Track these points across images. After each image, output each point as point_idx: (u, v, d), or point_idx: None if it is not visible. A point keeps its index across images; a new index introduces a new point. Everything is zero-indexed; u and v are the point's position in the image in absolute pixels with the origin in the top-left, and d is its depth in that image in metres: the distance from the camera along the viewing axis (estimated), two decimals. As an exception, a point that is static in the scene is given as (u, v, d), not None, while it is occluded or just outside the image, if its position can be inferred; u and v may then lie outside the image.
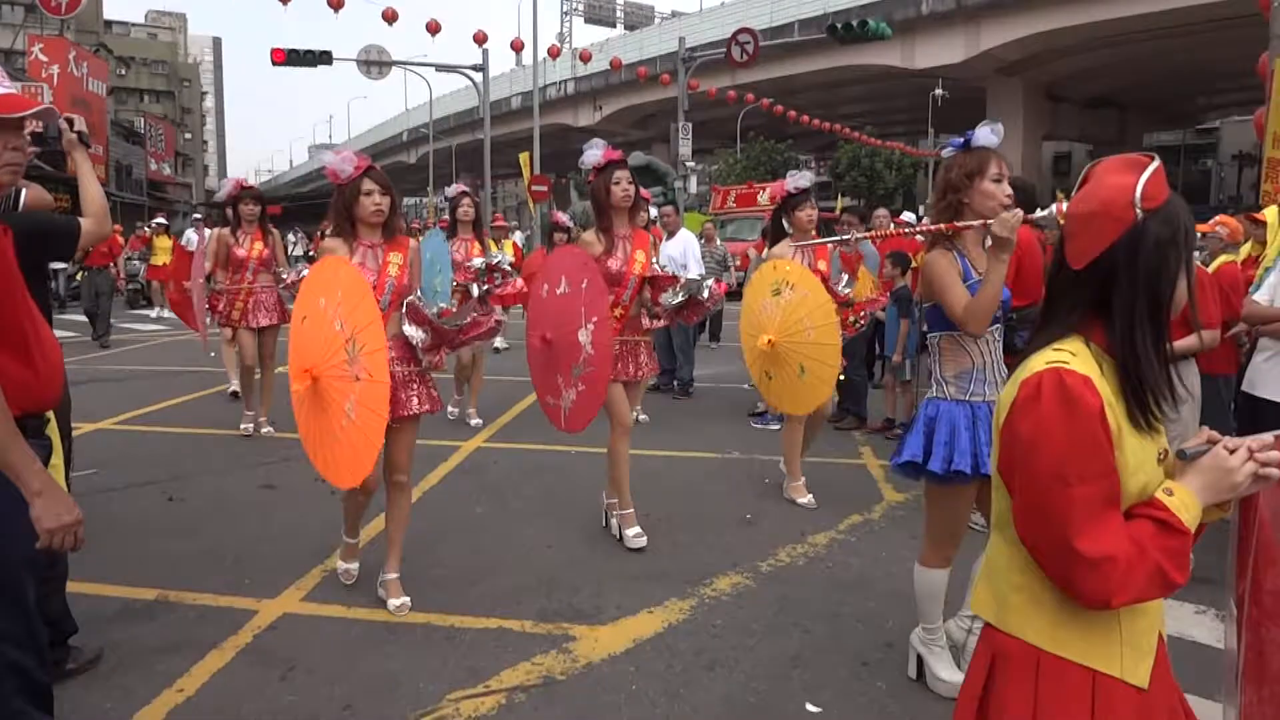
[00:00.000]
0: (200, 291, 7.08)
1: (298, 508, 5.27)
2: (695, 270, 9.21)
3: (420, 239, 5.26)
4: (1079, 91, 39.60)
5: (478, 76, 26.25)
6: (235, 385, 8.40)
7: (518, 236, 17.90)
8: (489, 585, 4.19)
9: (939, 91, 37.76)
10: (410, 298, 3.75)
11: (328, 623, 3.81)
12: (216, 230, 7.39)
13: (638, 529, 4.70)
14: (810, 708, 3.19)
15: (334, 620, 3.83)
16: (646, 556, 4.58)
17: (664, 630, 3.74)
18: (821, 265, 5.36)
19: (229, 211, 7.27)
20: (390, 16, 22.61)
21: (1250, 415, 4.35)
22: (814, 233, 5.36)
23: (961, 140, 3.15)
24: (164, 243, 17.26)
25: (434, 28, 23.74)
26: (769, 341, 4.96)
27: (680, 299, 4.58)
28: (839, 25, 21.35)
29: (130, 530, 4.92)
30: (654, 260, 4.74)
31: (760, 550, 4.65)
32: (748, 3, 40.99)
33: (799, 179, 5.32)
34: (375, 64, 25.08)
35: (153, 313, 17.60)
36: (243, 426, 7.18)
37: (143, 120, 53.51)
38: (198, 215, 17.57)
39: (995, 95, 37.32)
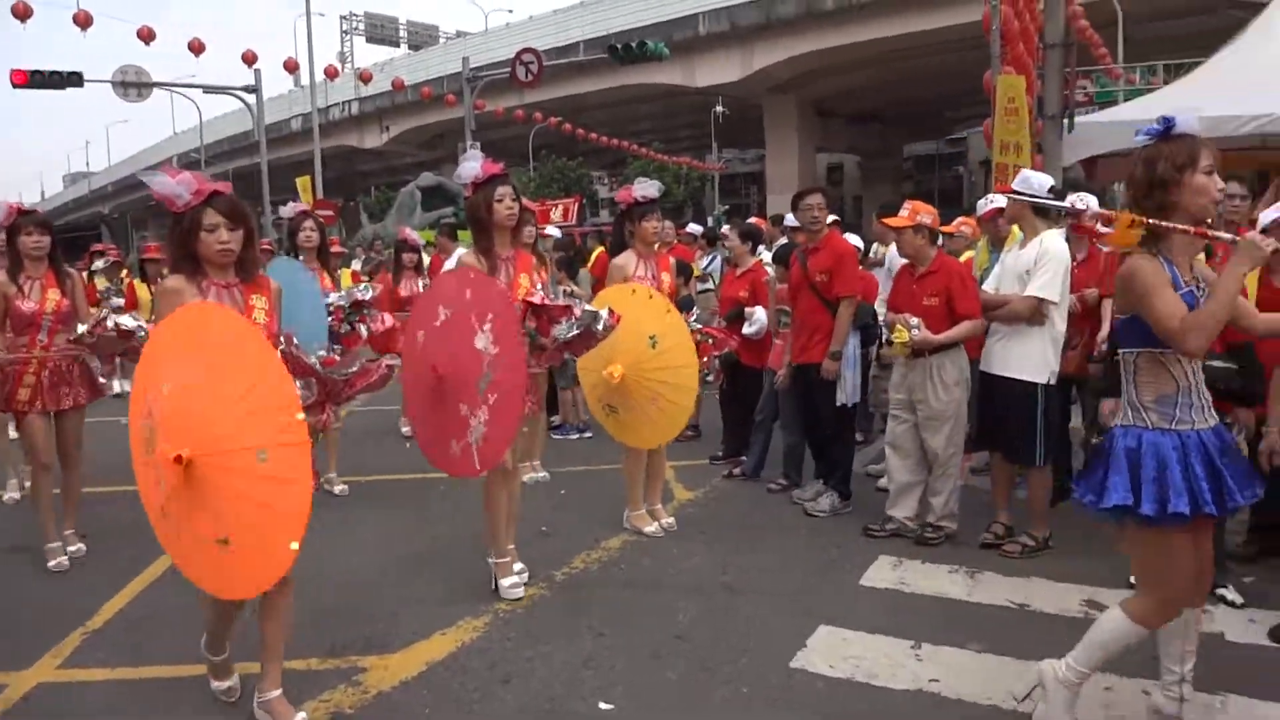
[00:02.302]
0: None
1: (51, 571, 4.82)
2: None
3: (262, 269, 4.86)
4: (846, 107, 42.59)
5: (250, 98, 24.97)
6: (13, 491, 6.36)
7: (356, 264, 16.85)
8: (273, 626, 4.00)
9: (720, 109, 39.52)
10: (284, 345, 3.08)
11: (89, 688, 3.53)
12: None
13: (513, 579, 4.32)
14: (603, 706, 3.28)
15: (96, 685, 3.55)
16: (440, 579, 4.53)
17: (457, 650, 3.72)
18: (665, 277, 5.20)
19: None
20: (146, 35, 21.03)
21: (986, 390, 4.87)
22: (658, 245, 5.21)
23: (1159, 127, 2.70)
24: None
25: (197, 47, 22.30)
26: (617, 375, 4.76)
27: (575, 332, 4.16)
28: (619, 46, 21.97)
29: None
30: (538, 285, 4.33)
31: (555, 560, 4.71)
32: (532, 23, 41.36)
33: (646, 187, 5.08)
34: (134, 85, 23.28)
35: None
36: (52, 563, 4.88)
37: None
38: None
39: (771, 111, 39.49)
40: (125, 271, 10.47)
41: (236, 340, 2.78)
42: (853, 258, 5.55)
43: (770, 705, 3.29)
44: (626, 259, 5.08)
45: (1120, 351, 2.80)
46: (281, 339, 3.10)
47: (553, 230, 11.48)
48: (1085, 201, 4.74)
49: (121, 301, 7.03)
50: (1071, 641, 2.95)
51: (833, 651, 3.67)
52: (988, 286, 5.00)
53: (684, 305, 7.36)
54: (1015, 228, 5.04)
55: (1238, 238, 2.61)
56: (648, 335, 4.79)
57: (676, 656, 3.65)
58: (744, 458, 6.42)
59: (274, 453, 2.61)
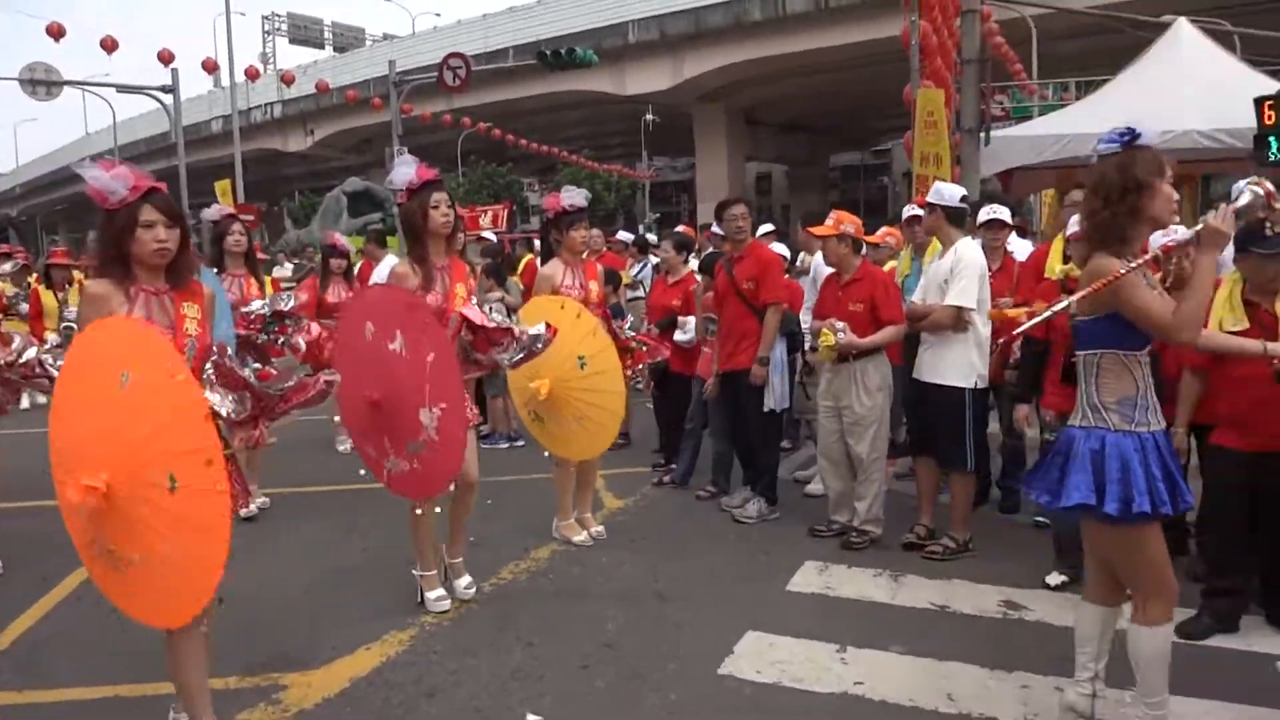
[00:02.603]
0: None
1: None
2: None
3: None
4: (774, 117, 43.21)
5: (167, 98, 24.18)
6: None
7: (279, 270, 16.17)
8: (189, 644, 3.88)
9: (650, 116, 39.72)
10: (217, 357, 2.91)
11: (-8, 713, 3.37)
12: None
13: (439, 591, 4.25)
14: (531, 717, 3.25)
15: (3, 709, 3.38)
16: (365, 593, 4.45)
17: (381, 665, 3.66)
18: (594, 286, 5.15)
19: None
20: (56, 31, 20.30)
21: (918, 397, 5.00)
22: (585, 254, 5.15)
23: (1123, 137, 2.76)
24: None
25: (110, 45, 21.53)
26: (544, 391, 4.75)
27: (518, 358, 4.16)
28: (548, 53, 21.92)
29: None
30: (474, 298, 4.28)
31: (484, 571, 4.66)
32: (461, 27, 40.96)
33: (574, 196, 4.99)
34: (42, 83, 22.36)
35: None
36: None
37: None
38: None
39: (700, 120, 39.85)
40: (35, 276, 10.02)
41: (154, 375, 2.59)
42: (778, 265, 5.66)
43: (698, 712, 3.31)
44: (554, 268, 5.02)
45: (1080, 354, 2.86)
46: (214, 350, 2.93)
47: (488, 234, 11.41)
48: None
49: (55, 339, 6.47)
50: (988, 643, 3.03)
51: (760, 657, 3.71)
52: (915, 298, 5.13)
53: (615, 313, 7.38)
54: (935, 239, 5.17)
55: (1198, 228, 2.70)
56: (576, 356, 4.76)
57: (606, 665, 3.65)
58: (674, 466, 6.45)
59: (185, 486, 2.50)
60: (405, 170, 4.07)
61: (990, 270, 5.10)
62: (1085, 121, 8.14)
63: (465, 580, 4.37)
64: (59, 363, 4.30)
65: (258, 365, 3.20)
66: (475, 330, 4.08)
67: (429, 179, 4.05)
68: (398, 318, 3.76)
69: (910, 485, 6.06)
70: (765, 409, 5.45)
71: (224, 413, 2.83)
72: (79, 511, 2.67)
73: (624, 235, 11.91)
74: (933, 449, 4.97)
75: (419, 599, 4.22)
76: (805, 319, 5.87)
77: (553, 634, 3.93)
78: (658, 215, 44.29)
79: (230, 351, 3.02)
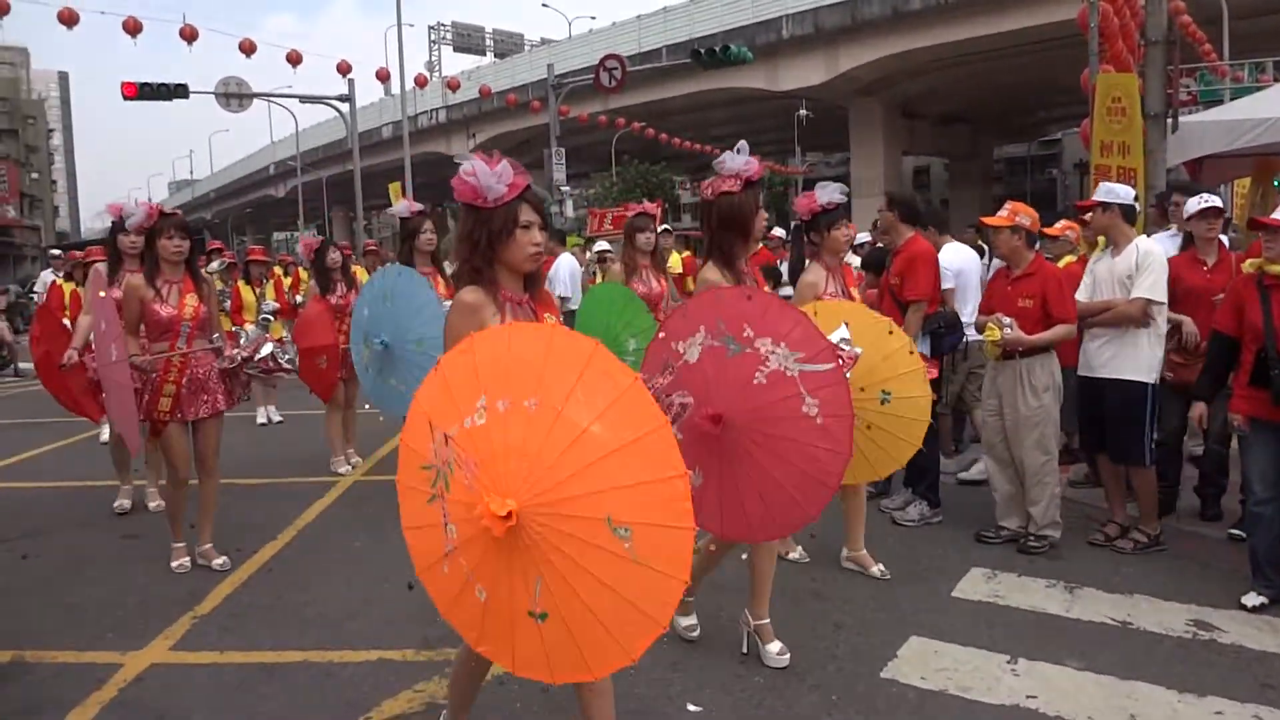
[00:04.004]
0: (120, 375, 4.42)
1: (163, 557, 5.05)
2: (561, 290, 9.28)
3: (383, 269, 4.88)
4: (932, 109, 41.76)
5: (344, 107, 25.78)
6: (124, 499, 6.05)
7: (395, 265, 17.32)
8: (368, 618, 4.13)
9: (803, 112, 39.16)
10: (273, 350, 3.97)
11: (199, 670, 3.69)
12: (98, 268, 5.44)
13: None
14: (691, 708, 3.28)
15: (206, 667, 3.71)
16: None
17: (547, 647, 3.77)
18: (855, 293, 4.67)
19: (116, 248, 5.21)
20: (248, 48, 21.96)
21: (1090, 394, 4.83)
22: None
23: None
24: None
25: (295, 58, 23.16)
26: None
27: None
28: (702, 51, 21.98)
29: (-22, 593, 4.64)
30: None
31: (642, 562, 4.73)
32: (616, 29, 41.64)
33: (831, 192, 4.32)
34: (235, 96, 24.30)
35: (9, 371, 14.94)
36: (175, 564, 4.88)
37: (-18, 161, 50.29)
38: (56, 251, 15.30)
39: (856, 114, 38.97)
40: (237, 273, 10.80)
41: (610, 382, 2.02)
42: (924, 262, 5.26)
43: (860, 713, 3.25)
44: (816, 273, 4.35)
45: None
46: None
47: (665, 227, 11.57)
48: None
49: (285, 335, 6.93)
50: (1176, 664, 2.83)
51: (924, 663, 3.61)
52: (1080, 296, 4.90)
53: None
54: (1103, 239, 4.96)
55: None
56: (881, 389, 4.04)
57: (764, 661, 3.63)
58: None
59: (641, 532, 1.93)
60: (740, 159, 3.58)
61: (1206, 264, 5.04)
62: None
63: (776, 646, 3.68)
64: (288, 356, 4.81)
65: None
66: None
67: (753, 178, 3.60)
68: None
69: (1081, 493, 5.76)
70: None
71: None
72: (446, 530, 2.11)
73: (778, 232, 11.82)
74: (1108, 445, 4.83)
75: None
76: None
77: (710, 627, 3.94)
78: (810, 212, 43.60)
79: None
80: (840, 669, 3.56)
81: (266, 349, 4.90)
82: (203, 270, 4.95)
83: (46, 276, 12.91)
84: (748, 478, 3.08)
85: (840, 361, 3.12)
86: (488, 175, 2.49)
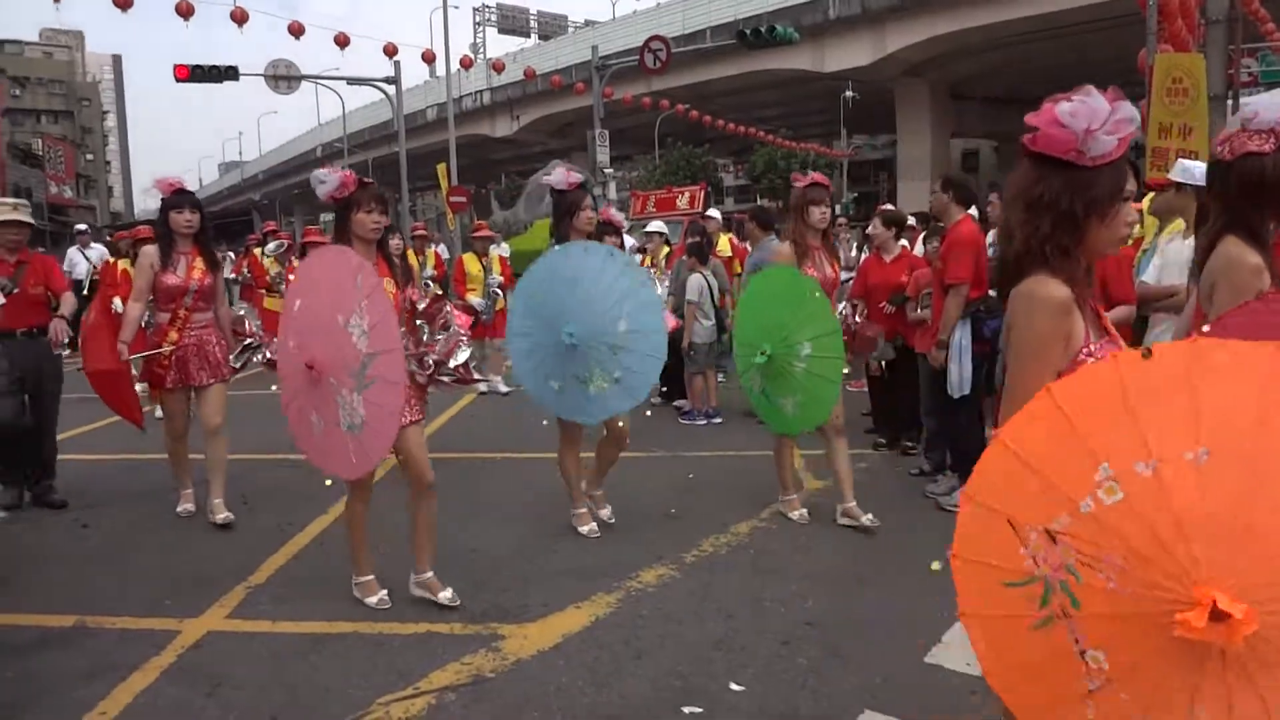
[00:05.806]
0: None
1: (216, 529, 5.19)
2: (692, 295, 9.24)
3: (563, 248, 4.62)
4: (981, 90, 40.99)
5: (390, 89, 25.97)
6: (187, 504, 5.60)
7: (441, 247, 17.45)
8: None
9: (850, 93, 38.66)
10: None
11: (254, 638, 3.79)
12: (146, 250, 5.33)
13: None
14: (734, 686, 3.30)
15: (260, 635, 3.81)
16: (573, 554, 4.65)
17: (591, 624, 3.82)
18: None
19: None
20: (296, 30, 22.21)
21: None
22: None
23: None
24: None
25: (342, 41, 23.40)
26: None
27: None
28: (748, 31, 21.79)
29: (43, 559, 4.80)
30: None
31: (684, 542, 4.76)
32: (660, 10, 41.44)
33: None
34: (284, 78, 24.59)
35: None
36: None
37: (40, 142, 51.51)
38: (81, 227, 15.48)
39: (903, 96, 38.41)
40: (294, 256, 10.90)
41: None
42: (967, 245, 5.18)
43: (904, 696, 3.24)
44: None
45: None
46: None
47: (713, 213, 11.55)
48: None
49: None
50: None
51: (969, 649, 3.55)
52: (1147, 278, 4.78)
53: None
54: (1179, 219, 4.79)
55: None
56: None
57: (807, 643, 3.64)
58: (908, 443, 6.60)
59: None
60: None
61: None
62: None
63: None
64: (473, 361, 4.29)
65: None
66: None
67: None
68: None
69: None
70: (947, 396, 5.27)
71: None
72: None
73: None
74: None
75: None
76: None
77: (753, 609, 3.96)
78: (855, 195, 43.14)
79: None
80: (883, 653, 3.55)
81: (463, 355, 4.06)
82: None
83: (74, 255, 13.20)
84: None
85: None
86: (1100, 116, 1.73)
